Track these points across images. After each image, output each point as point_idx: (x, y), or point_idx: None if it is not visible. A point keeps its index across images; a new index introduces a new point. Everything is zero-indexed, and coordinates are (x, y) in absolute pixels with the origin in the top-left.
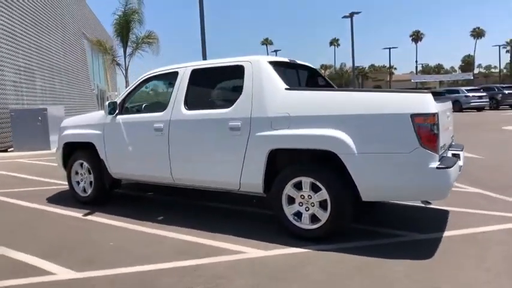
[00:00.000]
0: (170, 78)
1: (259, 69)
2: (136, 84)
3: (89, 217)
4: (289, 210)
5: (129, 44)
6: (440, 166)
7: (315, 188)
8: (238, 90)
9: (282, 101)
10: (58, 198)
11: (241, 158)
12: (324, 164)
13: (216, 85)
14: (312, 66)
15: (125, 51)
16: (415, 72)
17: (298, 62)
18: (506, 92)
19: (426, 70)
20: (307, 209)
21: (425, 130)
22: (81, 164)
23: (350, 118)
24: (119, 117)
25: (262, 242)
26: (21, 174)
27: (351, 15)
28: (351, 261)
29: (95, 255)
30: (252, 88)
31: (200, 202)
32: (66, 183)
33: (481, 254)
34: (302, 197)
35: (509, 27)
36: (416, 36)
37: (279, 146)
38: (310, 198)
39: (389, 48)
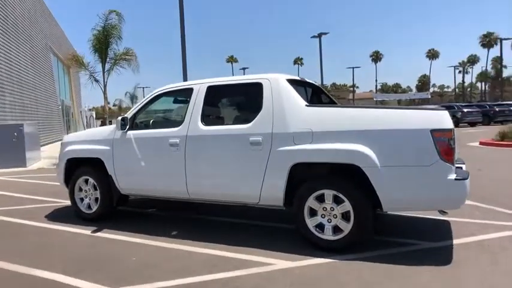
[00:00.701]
0: (184, 94)
1: (278, 87)
2: (147, 100)
3: (99, 234)
4: (311, 222)
5: (107, 60)
6: (458, 177)
7: (337, 200)
8: (257, 106)
9: (303, 117)
10: (57, 216)
11: (262, 171)
12: (346, 177)
13: (233, 102)
14: (317, 84)
15: (103, 67)
16: (374, 90)
17: (306, 79)
18: (466, 110)
19: (385, 89)
20: (329, 220)
21: (444, 144)
22: (86, 180)
23: (373, 133)
24: (130, 132)
25: (287, 253)
26: (7, 192)
27: (319, 35)
28: (379, 270)
29: (123, 271)
30: (272, 105)
31: (205, 217)
32: (57, 200)
33: (493, 259)
34: (324, 209)
35: (461, 50)
36: (376, 57)
37: (302, 160)
38: (333, 210)
39: (353, 68)
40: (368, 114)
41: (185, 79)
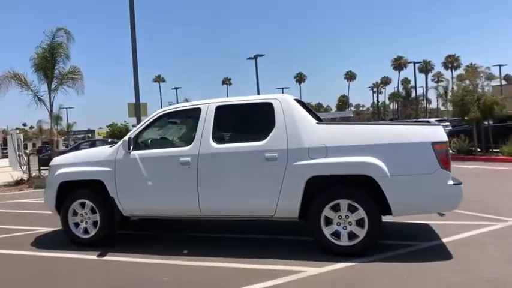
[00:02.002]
0: (191, 114)
1: (289, 106)
2: (151, 120)
3: (107, 258)
4: (327, 231)
5: (53, 79)
6: (456, 183)
7: (351, 209)
8: (269, 124)
9: (316, 133)
10: (44, 243)
11: (279, 185)
12: (359, 187)
13: (243, 120)
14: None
15: (49, 87)
16: None
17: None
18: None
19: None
20: (344, 227)
21: (443, 154)
22: (82, 204)
23: (382, 147)
24: (134, 152)
25: (309, 261)
26: None
27: (255, 57)
28: (398, 269)
29: None
30: (284, 123)
31: (204, 234)
32: (25, 227)
33: (484, 252)
34: (339, 217)
35: (376, 71)
36: (300, 78)
37: (318, 173)
38: (348, 217)
39: (282, 88)
40: (376, 129)
41: (137, 99)
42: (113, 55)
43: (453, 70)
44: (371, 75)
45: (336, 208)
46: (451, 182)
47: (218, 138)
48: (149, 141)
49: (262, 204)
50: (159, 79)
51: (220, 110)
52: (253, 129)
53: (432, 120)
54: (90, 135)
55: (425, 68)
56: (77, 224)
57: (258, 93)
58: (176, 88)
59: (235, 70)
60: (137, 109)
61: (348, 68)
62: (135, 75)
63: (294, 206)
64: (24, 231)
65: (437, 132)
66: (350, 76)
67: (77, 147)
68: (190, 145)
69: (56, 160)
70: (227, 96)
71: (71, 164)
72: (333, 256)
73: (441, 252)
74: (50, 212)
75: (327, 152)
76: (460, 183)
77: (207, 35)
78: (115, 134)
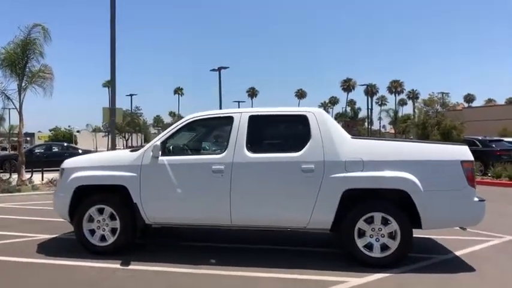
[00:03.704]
0: (222, 122)
1: (323, 120)
2: (180, 126)
3: (132, 267)
4: (360, 242)
5: (24, 77)
6: (481, 199)
7: (384, 221)
8: (304, 136)
9: (352, 147)
10: (51, 250)
11: (314, 197)
12: (393, 201)
13: (277, 131)
14: None
15: (20, 85)
16: None
17: None
18: None
19: None
20: (377, 240)
21: (470, 172)
22: (100, 210)
23: (416, 163)
24: (162, 158)
25: (346, 271)
26: None
27: (219, 69)
28: (434, 279)
29: None
30: (320, 135)
31: (216, 244)
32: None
33: (496, 264)
34: (373, 229)
35: (326, 91)
36: (252, 93)
37: (354, 186)
38: (380, 230)
39: (239, 102)
40: (409, 146)
41: (113, 104)
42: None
43: (397, 94)
44: (321, 94)
45: (369, 220)
46: (476, 199)
47: (252, 147)
48: (176, 147)
49: (296, 216)
50: (108, 84)
51: (253, 119)
52: (287, 140)
53: None
54: (29, 138)
55: (371, 91)
56: (92, 231)
57: (220, 106)
58: (131, 95)
59: (189, 81)
60: (112, 114)
61: (299, 86)
62: (112, 80)
63: (328, 217)
64: (19, 237)
65: (465, 152)
66: (301, 94)
67: (31, 151)
68: (223, 153)
69: (69, 163)
70: (178, 106)
71: (88, 167)
72: (363, 267)
73: (461, 264)
74: (41, 218)
75: (363, 166)
76: (484, 200)
77: (164, 44)
78: (58, 139)
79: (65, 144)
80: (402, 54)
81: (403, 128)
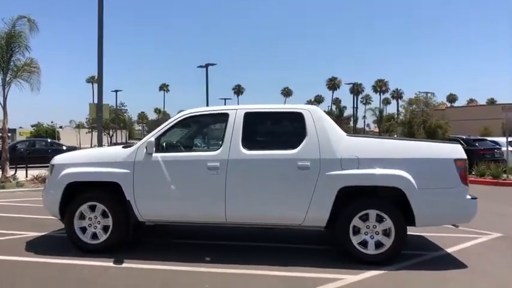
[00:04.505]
0: (217, 119)
1: (319, 118)
2: (173, 122)
3: (126, 265)
4: (355, 240)
5: (9, 71)
6: (473, 197)
7: (378, 219)
8: (300, 134)
9: (347, 145)
10: (40, 248)
11: (309, 194)
12: (387, 198)
13: (273, 128)
14: None
15: (4, 79)
16: None
17: None
18: None
19: None
20: (372, 237)
21: (463, 170)
22: (92, 207)
23: (410, 161)
24: (156, 155)
25: (342, 269)
26: None
27: (206, 66)
28: (427, 275)
29: None
30: (316, 133)
31: (212, 242)
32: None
33: (487, 260)
34: (367, 227)
35: (312, 90)
36: (238, 90)
37: (350, 184)
38: (375, 227)
39: (225, 99)
40: (404, 144)
41: (100, 100)
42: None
43: (381, 94)
44: (307, 92)
45: (364, 218)
46: (469, 197)
47: (247, 144)
48: (171, 144)
49: (292, 213)
50: (92, 80)
51: (248, 116)
52: (283, 138)
53: None
54: (10, 134)
55: (356, 89)
56: (84, 229)
57: (208, 103)
58: (116, 91)
59: (175, 78)
60: (99, 110)
61: (285, 85)
62: (99, 76)
63: (323, 215)
64: (6, 235)
65: (458, 150)
66: (287, 92)
67: (14, 148)
68: (219, 150)
69: (59, 159)
70: (164, 102)
71: (80, 163)
72: (357, 264)
73: (454, 261)
74: (28, 216)
75: (358, 164)
76: (476, 198)
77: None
78: (40, 135)
79: (49, 140)
80: (387, 53)
81: (387, 127)
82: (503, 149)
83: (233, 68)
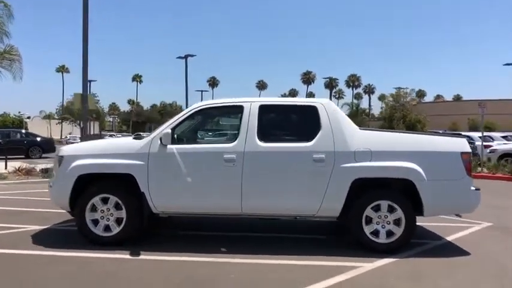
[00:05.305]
0: (232, 111)
1: (333, 111)
2: (188, 114)
3: (144, 257)
4: (368, 229)
5: None
6: (477, 188)
7: (390, 209)
8: (315, 127)
9: (361, 138)
10: (48, 241)
11: (324, 186)
12: (398, 189)
13: (287, 121)
14: None
15: None
16: None
17: None
18: None
19: None
20: (383, 226)
21: (468, 163)
22: (105, 199)
23: (421, 154)
24: (171, 146)
25: (357, 257)
26: None
27: (186, 57)
28: (438, 262)
29: None
30: (330, 126)
31: (225, 233)
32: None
33: (486, 247)
34: (379, 216)
35: (287, 83)
36: (213, 82)
37: (364, 176)
38: (386, 217)
39: (202, 91)
40: (414, 138)
41: (85, 90)
42: None
43: (354, 89)
44: (282, 86)
45: (376, 208)
46: (473, 188)
47: (264, 136)
48: (185, 136)
49: (307, 204)
50: (62, 69)
51: (263, 109)
52: (297, 131)
53: None
54: None
55: (331, 84)
56: (95, 221)
57: (186, 95)
58: (90, 81)
59: (150, 69)
60: (84, 100)
61: (260, 77)
62: (84, 67)
63: (337, 206)
64: (7, 229)
65: (464, 144)
66: (262, 85)
67: None
68: (235, 142)
69: (68, 150)
70: (136, 93)
71: (91, 155)
72: (368, 252)
73: (457, 249)
74: (18, 208)
75: (371, 156)
76: (479, 189)
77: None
78: (6, 125)
79: (23, 131)
80: (360, 48)
81: (358, 122)
82: (477, 143)
83: (207, 61)
